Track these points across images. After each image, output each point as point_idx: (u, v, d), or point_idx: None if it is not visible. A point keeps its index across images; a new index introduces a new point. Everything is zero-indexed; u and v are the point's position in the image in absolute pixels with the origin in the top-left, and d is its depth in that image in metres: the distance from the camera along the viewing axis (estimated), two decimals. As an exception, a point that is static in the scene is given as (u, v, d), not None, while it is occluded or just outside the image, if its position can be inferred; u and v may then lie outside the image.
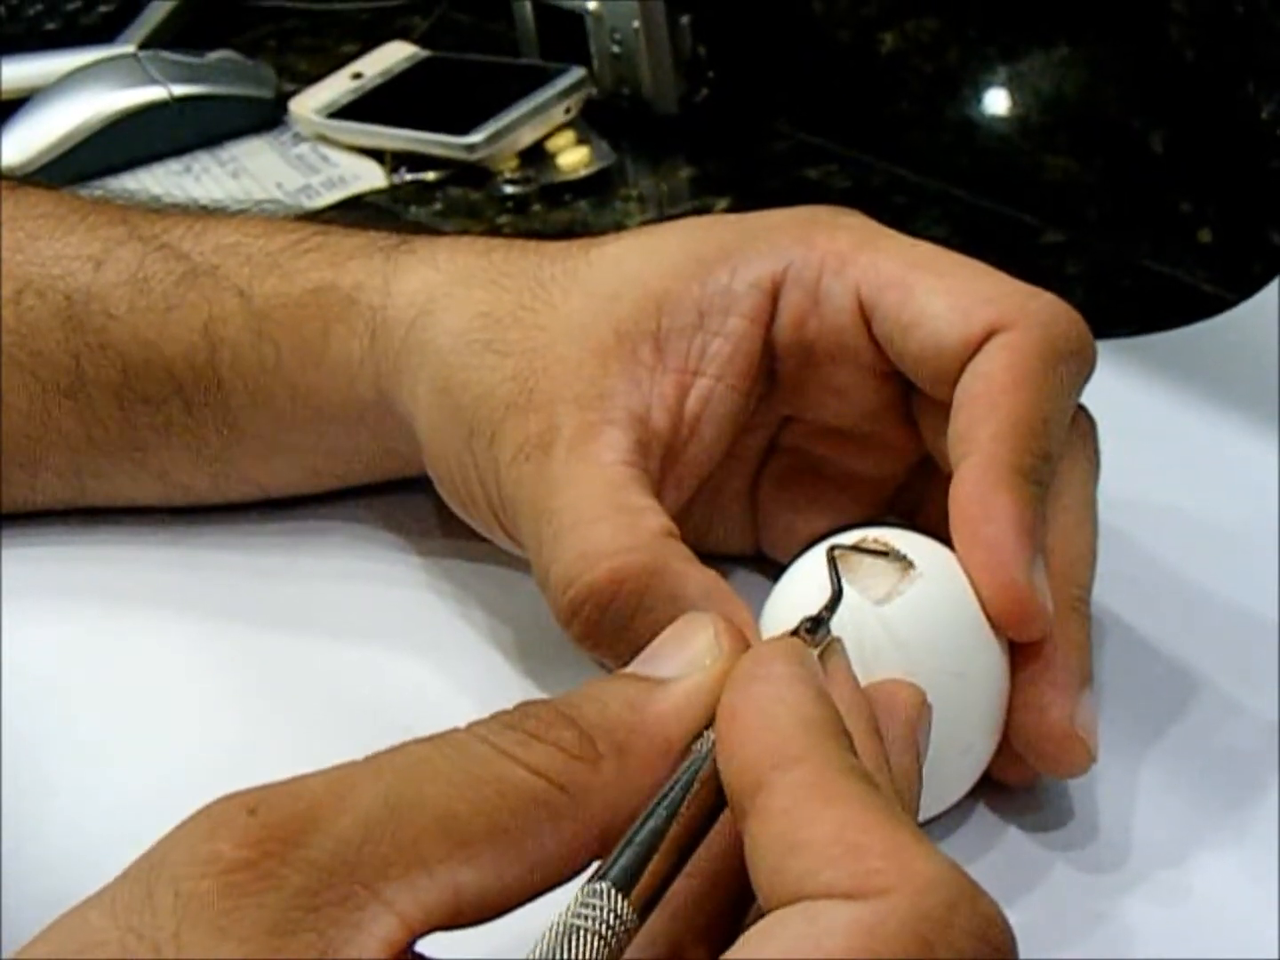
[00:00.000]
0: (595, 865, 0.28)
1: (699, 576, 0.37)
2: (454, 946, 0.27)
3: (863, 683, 0.33)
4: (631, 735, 0.29)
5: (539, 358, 0.40)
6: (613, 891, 0.27)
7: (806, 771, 0.27)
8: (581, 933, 0.26)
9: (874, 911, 0.24)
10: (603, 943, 0.26)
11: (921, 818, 0.36)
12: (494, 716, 0.28)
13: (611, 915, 0.26)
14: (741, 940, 0.25)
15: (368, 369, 0.44)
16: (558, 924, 0.26)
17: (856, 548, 0.36)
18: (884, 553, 0.36)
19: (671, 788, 0.28)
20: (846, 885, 0.25)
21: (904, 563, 0.36)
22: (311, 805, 0.26)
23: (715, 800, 0.28)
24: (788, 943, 0.25)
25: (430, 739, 0.28)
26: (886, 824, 0.26)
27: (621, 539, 0.37)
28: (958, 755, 0.36)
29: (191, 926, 0.24)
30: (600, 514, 0.37)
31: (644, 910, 0.27)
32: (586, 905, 0.26)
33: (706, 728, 0.29)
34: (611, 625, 0.37)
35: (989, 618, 0.36)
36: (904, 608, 0.35)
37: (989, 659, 0.36)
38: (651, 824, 0.28)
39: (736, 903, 0.29)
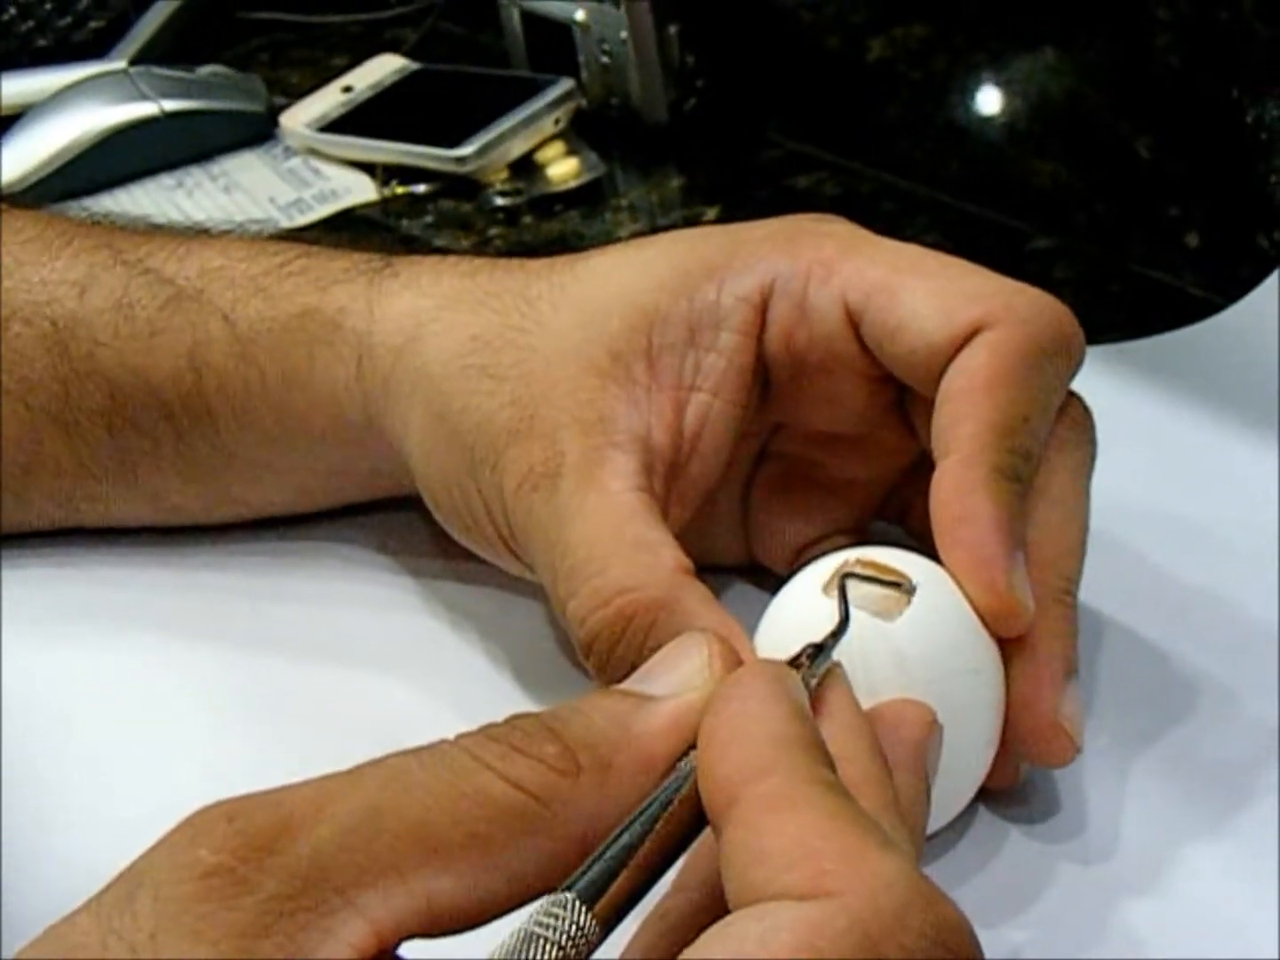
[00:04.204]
0: None
1: (709, 616, 0.37)
2: (442, 952, 0.27)
3: (883, 700, 0.34)
4: (615, 751, 0.29)
5: (536, 381, 0.40)
6: (576, 903, 0.27)
7: (775, 784, 0.27)
8: (541, 941, 0.26)
9: (822, 910, 0.25)
10: (561, 953, 0.26)
11: (944, 821, 0.37)
12: (481, 729, 0.29)
13: (573, 926, 0.26)
14: (697, 942, 0.25)
15: (355, 394, 0.44)
16: (520, 929, 0.27)
17: (862, 576, 0.36)
18: (895, 583, 0.36)
19: (650, 804, 0.28)
20: (801, 888, 0.25)
21: (903, 580, 0.36)
22: (290, 813, 0.26)
23: (695, 819, 0.28)
24: (735, 941, 0.25)
25: (413, 750, 0.28)
26: (847, 829, 0.26)
27: (635, 576, 0.37)
28: (978, 752, 0.37)
29: (167, 929, 0.25)
30: (613, 549, 0.37)
31: (608, 924, 0.27)
32: (549, 914, 0.27)
33: (692, 748, 0.29)
34: (622, 660, 0.37)
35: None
36: (911, 621, 0.35)
37: (992, 654, 0.36)
38: (625, 839, 0.28)
39: None
